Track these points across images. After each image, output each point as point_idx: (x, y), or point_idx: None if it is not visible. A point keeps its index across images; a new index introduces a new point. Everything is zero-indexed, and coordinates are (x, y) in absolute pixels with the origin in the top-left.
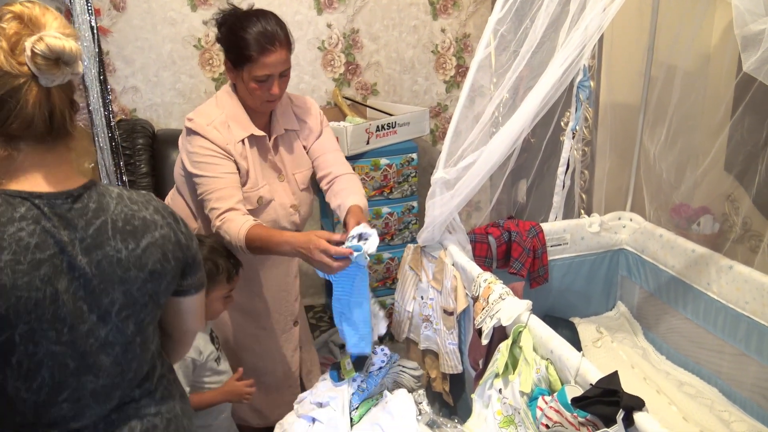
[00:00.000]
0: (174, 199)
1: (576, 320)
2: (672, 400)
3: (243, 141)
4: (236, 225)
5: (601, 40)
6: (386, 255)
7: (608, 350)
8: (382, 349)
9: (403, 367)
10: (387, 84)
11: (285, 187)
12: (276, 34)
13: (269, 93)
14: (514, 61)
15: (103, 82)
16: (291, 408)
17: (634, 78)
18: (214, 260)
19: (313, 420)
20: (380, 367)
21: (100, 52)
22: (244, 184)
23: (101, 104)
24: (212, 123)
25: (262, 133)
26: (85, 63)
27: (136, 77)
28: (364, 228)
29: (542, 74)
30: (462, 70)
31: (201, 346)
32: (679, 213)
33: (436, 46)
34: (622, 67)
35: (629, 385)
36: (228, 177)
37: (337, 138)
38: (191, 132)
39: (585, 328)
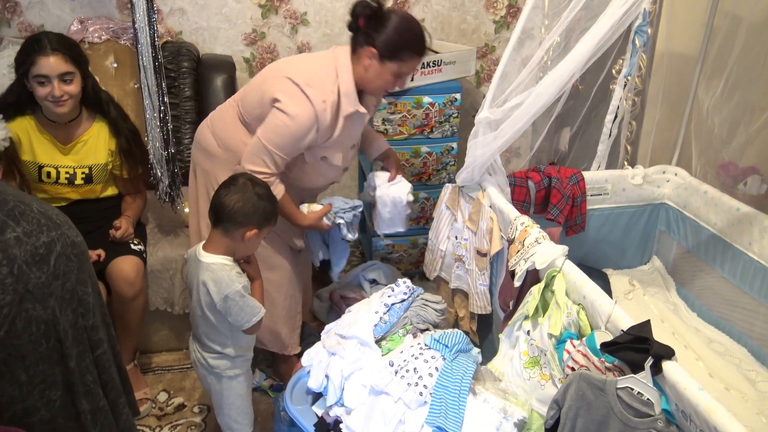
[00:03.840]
0: (235, 125)
1: (609, 271)
2: (699, 356)
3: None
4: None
5: None
6: (422, 194)
7: (639, 303)
8: (405, 282)
9: (426, 300)
10: (435, 21)
11: (349, 154)
12: (426, 47)
13: (395, 86)
14: (571, 1)
15: (150, 0)
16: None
17: (695, 26)
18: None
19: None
20: (402, 300)
21: None
22: (322, 142)
23: (147, 23)
24: (326, 102)
25: (365, 111)
26: None
27: None
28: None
29: (600, 15)
30: (513, 11)
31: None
32: (727, 171)
33: None
34: (683, 14)
35: (657, 338)
36: (292, 155)
37: None
38: (307, 102)
39: (617, 280)
